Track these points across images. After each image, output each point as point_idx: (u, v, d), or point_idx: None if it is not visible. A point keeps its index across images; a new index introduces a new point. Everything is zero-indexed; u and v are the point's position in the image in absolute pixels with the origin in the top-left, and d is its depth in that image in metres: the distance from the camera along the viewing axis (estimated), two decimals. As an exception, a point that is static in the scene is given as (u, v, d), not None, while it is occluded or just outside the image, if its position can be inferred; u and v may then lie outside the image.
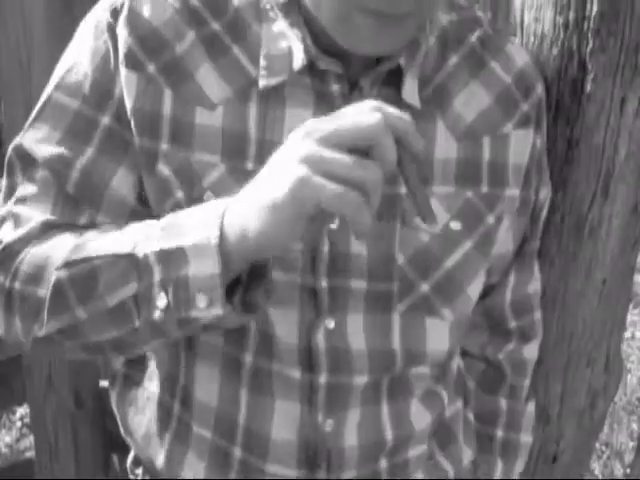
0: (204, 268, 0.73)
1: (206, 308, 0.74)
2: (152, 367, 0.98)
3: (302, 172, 0.67)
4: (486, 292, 1.04)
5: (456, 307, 0.95)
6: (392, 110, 0.69)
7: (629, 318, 3.86)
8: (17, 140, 0.91)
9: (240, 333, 0.89)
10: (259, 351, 0.90)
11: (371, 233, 0.71)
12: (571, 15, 1.02)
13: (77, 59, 0.89)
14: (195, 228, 0.75)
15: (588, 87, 1.03)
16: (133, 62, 0.86)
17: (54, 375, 1.65)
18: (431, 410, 1.01)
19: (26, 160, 0.89)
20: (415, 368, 0.96)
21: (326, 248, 0.89)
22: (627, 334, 3.75)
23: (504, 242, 1.00)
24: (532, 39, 1.09)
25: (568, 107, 1.05)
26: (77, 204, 0.88)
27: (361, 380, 0.92)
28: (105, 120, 0.87)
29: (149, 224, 0.81)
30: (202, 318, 0.76)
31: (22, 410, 3.04)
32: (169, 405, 0.97)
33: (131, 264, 0.77)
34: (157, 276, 0.76)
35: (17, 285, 0.84)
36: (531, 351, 1.12)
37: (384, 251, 0.90)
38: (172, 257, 0.75)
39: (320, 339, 0.90)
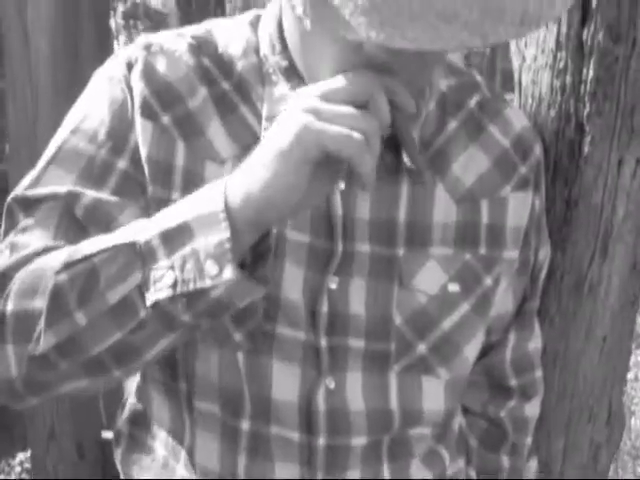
0: (212, 236, 0.73)
1: (217, 275, 0.73)
2: (156, 429, 0.99)
3: (306, 119, 0.70)
4: (486, 350, 1.05)
5: (453, 367, 0.96)
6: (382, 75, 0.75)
7: (633, 359, 3.85)
8: (17, 191, 0.90)
9: (236, 399, 0.90)
10: (256, 415, 0.90)
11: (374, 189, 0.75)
12: (568, 79, 1.04)
13: (92, 106, 0.91)
14: (197, 203, 0.75)
15: (586, 149, 1.05)
16: (148, 112, 0.89)
17: (57, 425, 1.65)
18: (432, 470, 1.01)
19: (28, 203, 0.89)
20: (414, 429, 0.96)
21: (325, 308, 0.90)
22: (631, 375, 3.74)
23: (503, 302, 1.01)
24: (530, 101, 1.11)
25: (566, 168, 1.07)
26: (84, 229, 0.87)
27: (360, 441, 0.93)
28: (122, 164, 0.89)
29: (146, 220, 0.80)
30: (212, 291, 0.74)
31: (22, 455, 3.02)
32: (173, 467, 0.97)
33: (133, 253, 0.76)
34: (162, 257, 0.75)
35: (10, 306, 0.81)
36: (533, 409, 1.12)
37: (382, 312, 0.92)
38: (176, 234, 0.74)
39: (320, 400, 0.90)
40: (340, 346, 0.91)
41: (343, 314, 0.90)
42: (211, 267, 0.73)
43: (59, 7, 1.40)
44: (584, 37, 1.02)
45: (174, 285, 0.74)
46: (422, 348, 0.93)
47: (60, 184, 0.88)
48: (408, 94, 0.75)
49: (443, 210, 0.93)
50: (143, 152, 0.88)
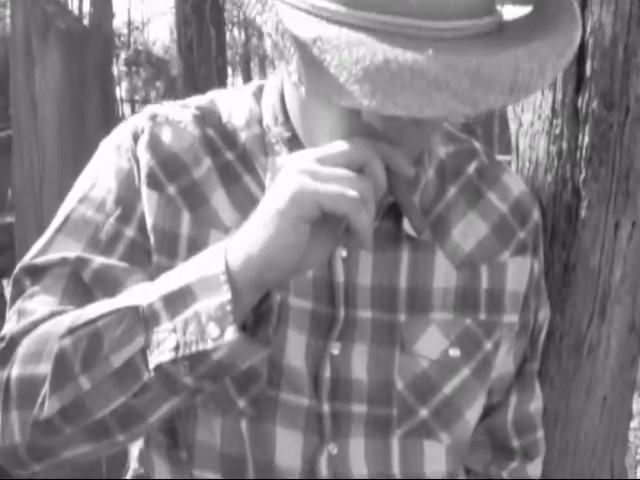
0: (213, 299, 0.74)
1: (219, 337, 0.74)
2: None
3: (302, 179, 0.72)
4: (488, 412, 1.05)
5: (454, 432, 0.97)
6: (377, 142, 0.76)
7: (634, 406, 3.83)
8: (25, 260, 0.92)
9: (239, 466, 0.90)
10: None
11: (371, 245, 0.75)
12: (564, 144, 1.07)
13: (100, 176, 0.93)
14: (198, 266, 0.77)
15: (582, 213, 1.07)
16: (154, 182, 0.91)
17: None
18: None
19: (35, 271, 0.90)
20: None
21: (328, 374, 0.91)
22: (635, 424, 3.71)
23: (504, 364, 1.02)
24: (527, 164, 1.13)
25: (564, 232, 1.09)
26: (90, 293, 0.88)
27: None
28: (129, 232, 0.90)
29: (149, 283, 0.82)
30: (214, 352, 0.75)
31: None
32: None
33: (136, 316, 0.77)
34: (165, 320, 0.76)
35: (15, 371, 0.82)
36: (535, 469, 1.12)
37: (384, 377, 0.93)
38: (178, 297, 0.76)
39: (323, 466, 0.91)
40: (343, 412, 0.92)
41: (345, 379, 0.91)
42: (213, 329, 0.74)
43: (66, 76, 1.44)
44: (579, 104, 1.05)
45: (176, 348, 0.75)
46: (424, 413, 0.94)
47: (69, 251, 0.89)
48: (404, 159, 0.77)
49: (443, 276, 0.95)
50: (149, 221, 0.90)
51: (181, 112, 0.95)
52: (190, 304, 0.75)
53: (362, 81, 0.69)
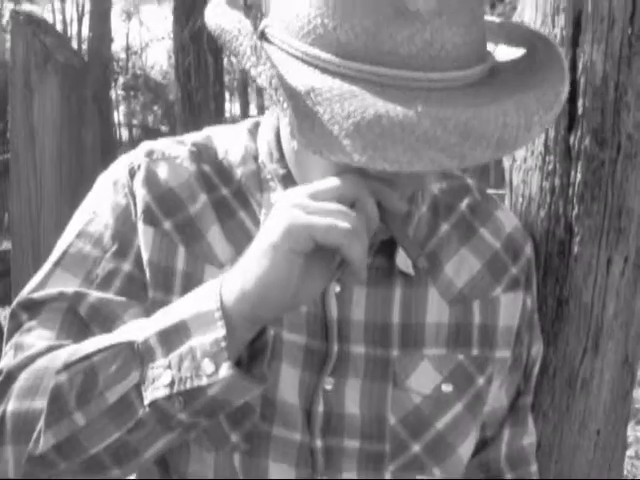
0: (208, 335, 0.74)
1: (213, 373, 0.74)
2: None
3: (294, 213, 0.73)
4: (481, 446, 1.05)
5: (447, 467, 0.97)
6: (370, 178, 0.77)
7: (633, 435, 3.83)
8: (22, 295, 0.92)
9: None
10: None
11: (365, 278, 0.75)
12: (557, 181, 1.08)
13: (97, 211, 0.94)
14: (194, 302, 0.77)
15: (575, 249, 1.08)
16: (150, 218, 0.91)
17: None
18: None
19: (33, 305, 0.91)
20: None
21: (321, 408, 0.91)
22: (630, 452, 3.71)
23: (497, 398, 1.03)
24: (520, 200, 1.14)
25: (557, 267, 1.09)
26: (87, 328, 0.88)
27: None
28: (126, 267, 0.91)
29: (144, 319, 0.82)
30: (209, 389, 0.75)
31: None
32: None
33: (131, 352, 0.78)
34: (160, 356, 0.76)
35: (10, 406, 0.82)
36: (528, 503, 1.12)
37: (376, 412, 0.93)
38: (173, 333, 0.76)
39: None
40: (335, 447, 0.92)
41: (338, 414, 0.92)
42: (207, 365, 0.74)
43: (64, 107, 1.45)
44: (571, 142, 1.06)
45: (171, 384, 0.76)
46: (416, 448, 0.94)
47: (65, 286, 0.90)
48: (396, 195, 0.78)
49: (436, 311, 0.96)
50: (145, 256, 0.91)
51: (177, 148, 0.96)
52: (185, 340, 0.76)
53: (353, 136, 0.70)
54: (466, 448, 0.99)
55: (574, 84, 1.05)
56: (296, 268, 0.73)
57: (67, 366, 0.80)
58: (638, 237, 1.08)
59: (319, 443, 0.91)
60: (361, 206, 0.75)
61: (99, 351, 0.80)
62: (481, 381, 0.97)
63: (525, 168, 1.13)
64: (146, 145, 0.98)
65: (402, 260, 0.93)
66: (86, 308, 0.89)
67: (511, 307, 1.00)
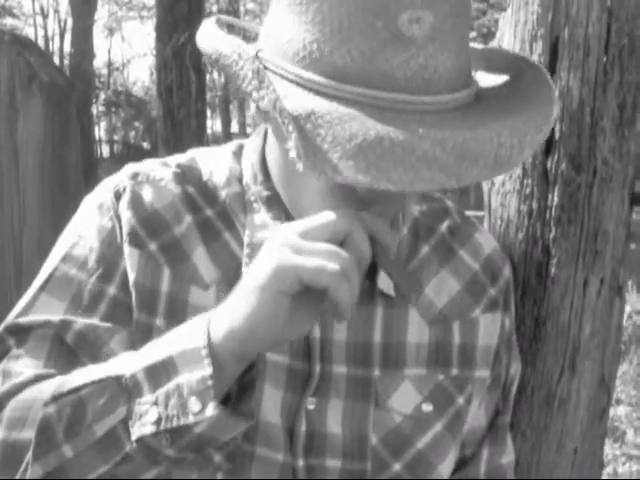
0: (195, 372, 0.75)
1: (200, 412, 0.75)
2: None
3: (282, 253, 0.73)
4: (461, 465, 1.06)
5: None
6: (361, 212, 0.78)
7: (612, 453, 3.85)
8: (9, 319, 0.93)
9: None
10: None
11: (352, 316, 0.76)
12: (534, 204, 1.10)
13: (82, 234, 0.94)
14: (181, 338, 0.78)
15: (552, 270, 1.10)
16: (136, 240, 0.92)
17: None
18: None
19: (20, 330, 0.91)
20: None
21: (303, 428, 0.92)
22: (609, 470, 3.73)
23: (476, 417, 1.04)
24: (499, 222, 1.16)
25: (534, 288, 1.11)
26: (74, 355, 0.89)
27: None
28: (112, 290, 0.92)
29: (133, 352, 0.83)
30: (195, 427, 0.76)
31: None
32: None
33: (119, 387, 0.78)
34: (147, 392, 0.77)
35: None
36: (507, 522, 1.13)
37: (358, 432, 0.94)
38: (161, 369, 0.77)
39: None
40: (317, 466, 0.93)
41: (320, 434, 0.93)
42: (194, 404, 0.75)
43: (48, 126, 1.46)
44: (548, 166, 1.09)
45: (158, 421, 0.77)
46: (397, 467, 0.95)
47: (51, 312, 0.90)
48: (387, 228, 0.78)
49: (417, 332, 0.97)
50: (131, 278, 0.91)
51: (161, 170, 0.97)
52: (172, 377, 0.77)
53: (357, 157, 0.71)
54: (446, 466, 1.00)
55: (551, 110, 1.07)
56: (283, 308, 0.74)
57: (55, 398, 0.81)
58: (614, 259, 1.11)
59: (301, 463, 0.92)
60: (353, 243, 0.75)
61: (87, 385, 0.80)
62: (461, 400, 0.99)
63: (503, 191, 1.15)
64: (130, 167, 0.98)
65: (383, 282, 0.94)
66: (72, 336, 0.90)
67: (490, 327, 1.02)
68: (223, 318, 0.77)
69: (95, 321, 0.90)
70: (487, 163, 0.73)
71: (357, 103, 0.75)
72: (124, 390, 0.78)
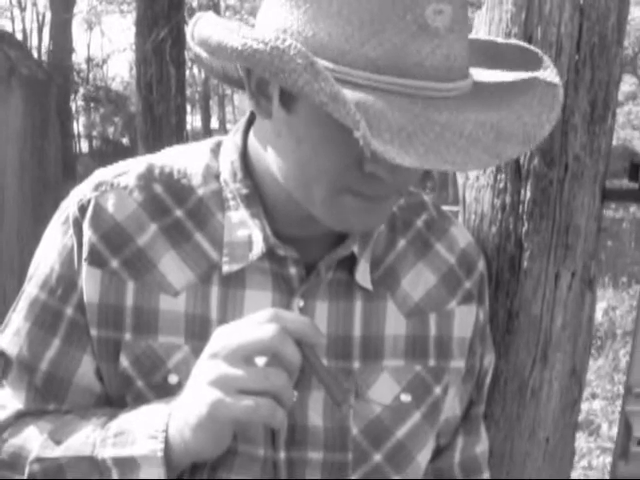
0: (152, 473, 0.84)
1: None
2: None
3: (214, 396, 0.78)
4: (436, 454, 1.09)
5: (407, 474, 1.00)
6: (288, 315, 0.81)
7: (587, 446, 3.90)
8: None
9: None
10: None
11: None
12: (507, 199, 1.12)
13: (46, 254, 0.97)
14: (144, 438, 0.84)
15: (525, 264, 1.12)
16: (97, 259, 0.93)
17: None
18: None
19: (3, 358, 0.97)
20: None
21: (285, 421, 0.93)
22: (584, 463, 3.78)
23: (451, 407, 1.06)
24: (473, 217, 1.19)
25: (507, 281, 1.14)
26: (44, 397, 0.95)
27: None
28: (69, 311, 0.94)
29: (105, 427, 0.89)
30: None
31: None
32: None
33: (92, 465, 0.86)
34: (115, 476, 0.86)
35: None
36: (481, 510, 1.16)
37: (339, 423, 0.96)
38: (126, 462, 0.85)
39: None
40: (299, 458, 0.94)
41: (302, 426, 0.94)
42: None
43: (27, 120, 1.46)
44: (521, 161, 1.11)
45: None
46: (378, 457, 0.97)
47: (19, 333, 0.96)
48: (315, 328, 0.81)
49: (394, 324, 0.99)
50: (89, 298, 0.93)
51: (127, 176, 0.96)
52: (135, 470, 0.85)
53: (412, 142, 0.73)
54: (424, 456, 1.02)
55: (524, 107, 1.09)
56: (228, 435, 0.81)
57: (39, 460, 0.90)
58: (585, 253, 1.13)
59: (282, 456, 0.94)
60: (282, 358, 0.79)
61: (66, 458, 0.88)
62: (438, 390, 1.01)
63: (477, 186, 1.18)
64: (96, 176, 0.98)
65: (361, 275, 0.96)
66: (40, 379, 0.95)
67: (465, 319, 1.04)
68: (177, 431, 0.83)
69: (56, 345, 0.95)
70: (518, 140, 0.78)
71: (390, 92, 0.76)
72: (97, 469, 0.87)
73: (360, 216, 0.86)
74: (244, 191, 0.94)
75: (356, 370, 0.96)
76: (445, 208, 1.10)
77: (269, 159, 0.91)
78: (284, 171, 0.88)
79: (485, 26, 1.16)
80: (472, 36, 0.93)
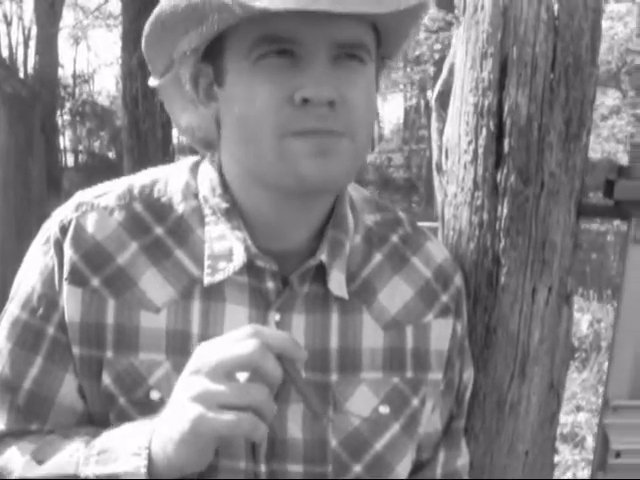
0: None
1: None
2: None
3: (197, 411, 0.79)
4: (418, 468, 1.10)
5: None
6: (268, 331, 0.82)
7: (571, 458, 3.92)
8: None
9: None
10: None
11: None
12: (485, 215, 1.14)
13: (27, 274, 0.98)
14: (127, 455, 0.85)
15: (502, 279, 1.14)
16: (78, 279, 0.94)
17: None
18: None
19: None
20: None
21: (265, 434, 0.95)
22: (569, 475, 3.79)
23: (431, 421, 1.08)
24: (451, 233, 1.20)
25: (485, 297, 1.15)
26: (26, 417, 0.96)
27: None
28: (51, 330, 0.95)
29: (89, 445, 0.89)
30: None
31: None
32: None
33: None
34: None
35: None
36: (461, 523, 1.17)
37: (318, 436, 0.97)
38: None
39: None
40: (279, 471, 0.95)
41: (281, 440, 0.95)
42: None
43: (12, 137, 1.47)
44: (498, 179, 1.13)
45: None
46: (357, 469, 0.98)
47: (1, 355, 0.97)
48: (295, 343, 0.83)
49: (371, 337, 1.00)
50: (70, 317, 0.94)
51: (107, 197, 0.98)
52: None
53: None
54: (403, 467, 1.03)
55: (501, 125, 1.12)
56: (210, 451, 0.82)
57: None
58: (561, 268, 1.15)
59: (263, 469, 0.95)
60: (262, 373, 0.80)
61: (50, 475, 0.89)
62: (415, 402, 1.02)
63: (455, 203, 1.19)
64: (77, 197, 1.00)
65: (334, 285, 0.97)
66: (22, 398, 0.96)
67: (442, 332, 1.05)
68: (161, 442, 0.83)
69: (39, 364, 0.96)
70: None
71: None
72: None
73: (314, 160, 0.86)
74: (223, 205, 0.96)
75: (334, 383, 0.98)
76: (426, 225, 1.11)
77: (226, 153, 0.96)
78: (236, 145, 0.92)
79: (462, 45, 1.18)
80: None
